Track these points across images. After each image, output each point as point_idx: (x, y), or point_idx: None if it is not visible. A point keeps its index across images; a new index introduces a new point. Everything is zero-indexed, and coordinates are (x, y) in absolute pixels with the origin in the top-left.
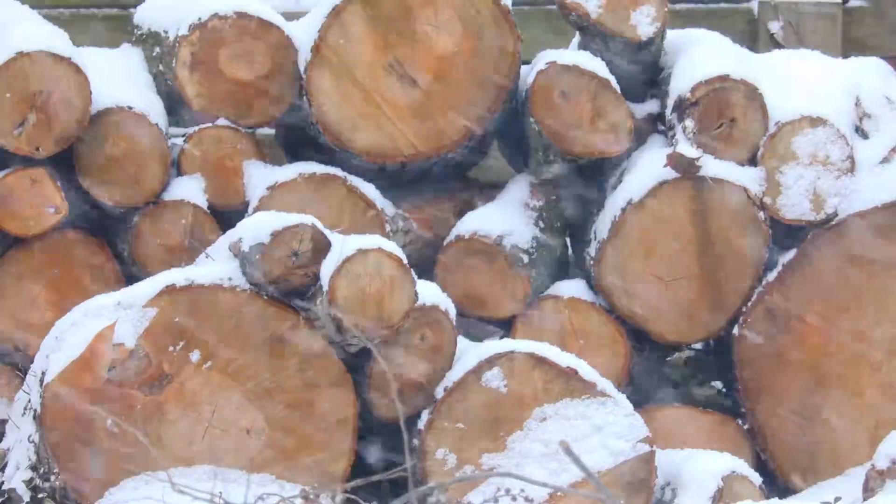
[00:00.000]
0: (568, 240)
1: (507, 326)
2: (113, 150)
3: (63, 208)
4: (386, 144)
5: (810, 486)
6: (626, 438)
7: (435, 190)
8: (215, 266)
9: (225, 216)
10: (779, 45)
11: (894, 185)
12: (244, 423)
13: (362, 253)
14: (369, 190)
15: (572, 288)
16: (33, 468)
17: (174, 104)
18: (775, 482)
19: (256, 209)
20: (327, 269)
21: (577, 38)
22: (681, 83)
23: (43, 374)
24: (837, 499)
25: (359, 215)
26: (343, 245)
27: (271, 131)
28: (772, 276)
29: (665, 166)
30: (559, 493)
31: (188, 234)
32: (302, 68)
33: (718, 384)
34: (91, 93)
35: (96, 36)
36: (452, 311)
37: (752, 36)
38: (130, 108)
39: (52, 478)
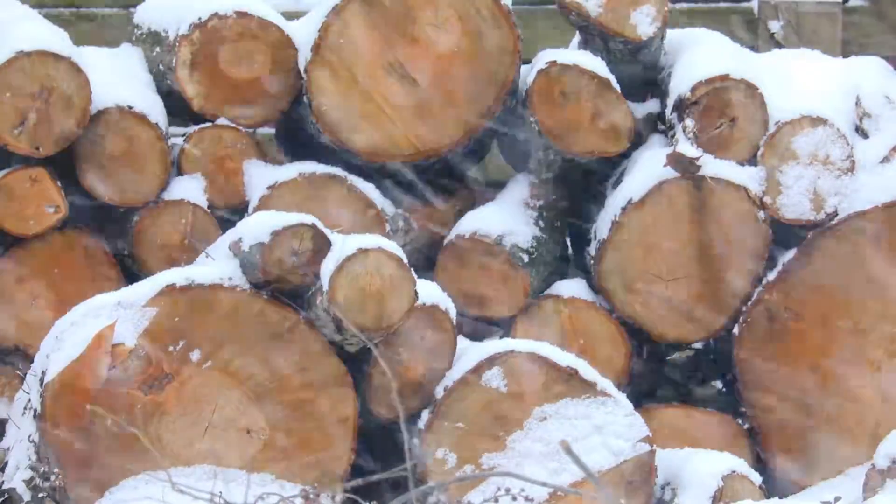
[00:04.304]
0: (568, 240)
1: (507, 326)
2: (113, 150)
3: (63, 208)
4: (386, 144)
5: (810, 486)
6: (627, 438)
7: (435, 190)
8: (215, 266)
9: (225, 216)
10: (779, 45)
11: (894, 185)
12: (244, 423)
13: (362, 252)
14: (369, 190)
15: (572, 288)
16: (33, 468)
17: (174, 104)
18: (775, 482)
19: (256, 209)
20: (327, 268)
21: (577, 38)
22: (681, 83)
23: (43, 373)
24: (837, 499)
25: (359, 215)
26: (343, 245)
27: (271, 131)
28: (772, 276)
29: (665, 166)
30: (559, 493)
31: (188, 234)
32: (302, 68)
33: (718, 384)
34: (91, 93)
35: (96, 36)
36: (452, 311)
37: (752, 36)
38: (130, 107)
39: (52, 478)
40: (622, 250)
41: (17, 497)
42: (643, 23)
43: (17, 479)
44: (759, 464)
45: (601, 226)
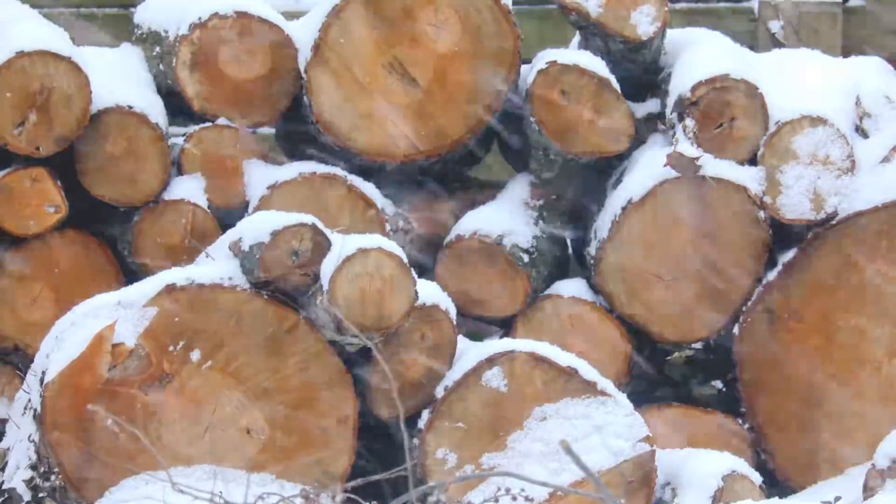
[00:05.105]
0: (568, 240)
1: (507, 326)
2: (113, 150)
3: (63, 208)
4: (386, 144)
5: (810, 486)
6: (626, 438)
7: (435, 190)
8: (215, 265)
9: (225, 216)
10: (779, 45)
11: (895, 185)
12: (244, 423)
13: (362, 252)
14: (369, 189)
15: (572, 288)
16: (33, 468)
17: (174, 104)
18: (775, 482)
19: (256, 209)
20: (327, 268)
21: (577, 38)
22: (681, 83)
23: (43, 373)
24: (837, 498)
25: (359, 215)
26: (343, 245)
27: (271, 131)
28: (772, 275)
29: (665, 166)
30: (559, 493)
31: (188, 234)
32: (302, 68)
33: (718, 384)
34: (91, 92)
35: (96, 36)
36: (452, 311)
37: (752, 36)
38: (130, 107)
39: (52, 478)
40: (622, 250)
41: (17, 497)
42: (643, 23)
43: (17, 479)
44: (759, 464)
45: (601, 226)
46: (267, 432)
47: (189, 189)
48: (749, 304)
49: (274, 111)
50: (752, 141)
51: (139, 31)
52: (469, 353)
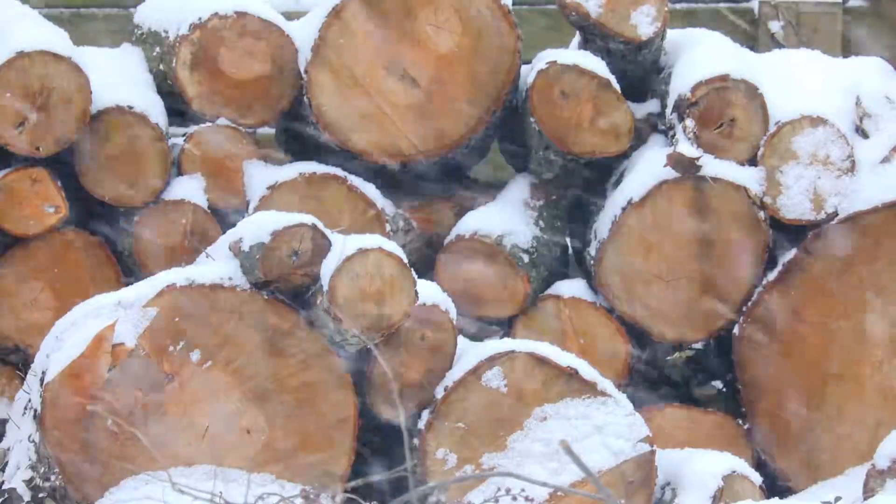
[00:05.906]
0: (568, 240)
1: (507, 326)
2: (113, 150)
3: (63, 208)
4: (386, 144)
5: (810, 486)
6: (627, 438)
7: (435, 190)
8: (215, 266)
9: (225, 216)
10: (779, 45)
11: (895, 185)
12: (244, 423)
13: (362, 253)
14: (369, 190)
15: (572, 288)
16: (33, 468)
17: (174, 104)
18: (775, 482)
19: (257, 209)
20: (327, 268)
21: (577, 38)
22: (681, 83)
23: (43, 373)
24: (837, 499)
25: (359, 215)
26: (343, 245)
27: (271, 131)
28: (772, 276)
29: (665, 166)
30: (559, 493)
31: (188, 234)
32: (302, 68)
33: (718, 384)
34: (91, 93)
35: (96, 36)
36: (452, 311)
37: (752, 36)
38: (130, 107)
39: (52, 478)
40: (622, 250)
41: (17, 497)
42: (643, 23)
43: (17, 479)
44: (759, 464)
45: (601, 226)
46: (267, 432)
47: (189, 189)
48: (749, 304)
49: (274, 111)
50: (752, 141)
51: (139, 32)
52: (469, 353)
